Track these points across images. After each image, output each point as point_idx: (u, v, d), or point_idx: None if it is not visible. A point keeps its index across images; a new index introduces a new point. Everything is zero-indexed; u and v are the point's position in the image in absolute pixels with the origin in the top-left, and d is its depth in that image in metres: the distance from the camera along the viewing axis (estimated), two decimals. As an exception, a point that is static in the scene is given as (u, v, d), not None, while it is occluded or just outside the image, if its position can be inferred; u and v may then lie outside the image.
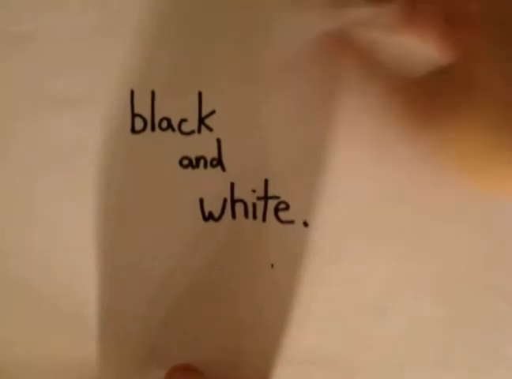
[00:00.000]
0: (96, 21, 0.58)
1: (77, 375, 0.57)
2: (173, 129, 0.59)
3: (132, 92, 0.59)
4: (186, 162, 0.59)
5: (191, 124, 0.59)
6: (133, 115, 0.59)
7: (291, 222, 0.58)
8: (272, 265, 0.58)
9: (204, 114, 0.59)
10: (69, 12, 0.58)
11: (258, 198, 0.58)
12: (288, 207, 0.58)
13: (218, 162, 0.58)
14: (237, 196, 0.58)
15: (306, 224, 0.58)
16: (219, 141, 0.59)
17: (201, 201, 0.58)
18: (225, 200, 0.58)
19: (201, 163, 0.58)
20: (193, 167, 0.59)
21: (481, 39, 0.47)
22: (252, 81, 0.58)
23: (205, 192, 0.58)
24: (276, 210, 0.58)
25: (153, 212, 0.58)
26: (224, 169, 0.58)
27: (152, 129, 0.59)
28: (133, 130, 0.59)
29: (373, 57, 0.55)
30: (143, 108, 0.59)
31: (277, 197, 0.58)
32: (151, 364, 0.58)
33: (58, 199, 0.58)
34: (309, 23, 0.57)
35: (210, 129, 0.59)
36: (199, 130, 0.59)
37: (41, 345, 0.57)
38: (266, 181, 0.58)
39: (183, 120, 0.59)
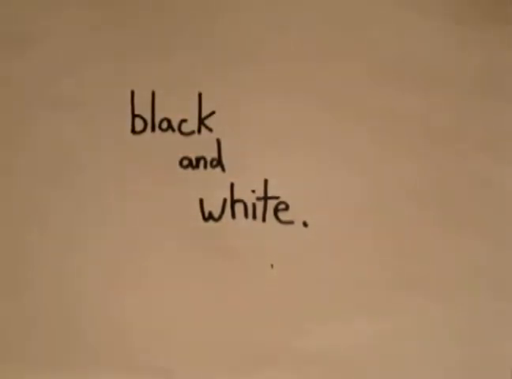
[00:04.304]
0: (97, 22, 0.59)
1: None
2: (173, 130, 0.59)
3: (132, 93, 0.59)
4: (186, 162, 0.59)
5: (191, 124, 0.59)
6: (134, 116, 0.59)
7: (291, 222, 0.58)
8: (272, 265, 0.58)
9: (204, 114, 0.59)
10: (69, 13, 0.59)
11: (258, 198, 0.58)
12: (287, 207, 0.58)
13: (218, 162, 0.59)
14: (237, 196, 0.58)
15: (305, 224, 0.58)
16: (219, 141, 0.59)
17: (201, 201, 0.58)
18: (225, 200, 0.58)
19: (201, 163, 0.59)
20: (193, 168, 0.59)
21: None
22: (252, 82, 0.59)
23: (205, 192, 0.58)
24: (276, 210, 0.58)
25: (153, 212, 0.58)
26: (223, 169, 0.59)
27: (153, 129, 0.59)
28: (133, 131, 0.59)
29: None
30: (143, 109, 0.59)
31: (277, 197, 0.58)
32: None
33: (57, 198, 0.58)
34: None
35: (210, 130, 0.59)
36: (199, 131, 0.59)
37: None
38: (266, 182, 0.59)
39: (183, 120, 0.59)
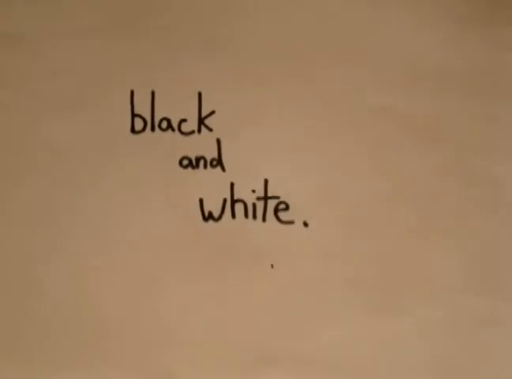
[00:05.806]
0: (96, 22, 0.59)
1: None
2: (173, 130, 0.59)
3: (132, 92, 0.59)
4: (186, 162, 0.59)
5: (191, 124, 0.59)
6: (133, 115, 0.59)
7: (291, 222, 0.58)
8: (272, 265, 0.58)
9: (204, 114, 0.59)
10: (69, 13, 0.59)
11: (258, 198, 0.58)
12: (287, 207, 0.58)
13: (218, 162, 0.59)
14: (237, 196, 0.58)
15: (306, 224, 0.58)
16: (219, 141, 0.59)
17: (201, 201, 0.58)
18: (225, 200, 0.58)
19: (201, 163, 0.59)
20: (193, 167, 0.59)
21: None
22: (252, 82, 0.59)
23: (205, 192, 0.58)
24: (276, 210, 0.58)
25: (153, 212, 0.58)
26: (223, 169, 0.59)
27: (152, 129, 0.59)
28: (132, 130, 0.59)
29: None
30: (143, 108, 0.59)
31: (277, 197, 0.58)
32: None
33: (58, 198, 0.58)
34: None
35: (210, 130, 0.59)
36: (199, 130, 0.59)
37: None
38: (266, 182, 0.58)
39: (183, 120, 0.59)
